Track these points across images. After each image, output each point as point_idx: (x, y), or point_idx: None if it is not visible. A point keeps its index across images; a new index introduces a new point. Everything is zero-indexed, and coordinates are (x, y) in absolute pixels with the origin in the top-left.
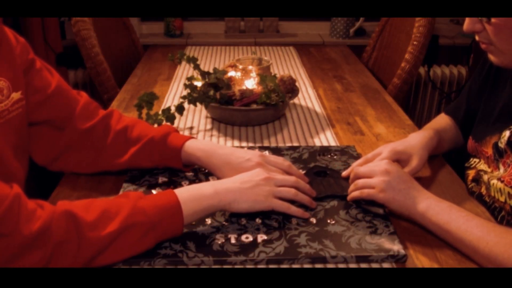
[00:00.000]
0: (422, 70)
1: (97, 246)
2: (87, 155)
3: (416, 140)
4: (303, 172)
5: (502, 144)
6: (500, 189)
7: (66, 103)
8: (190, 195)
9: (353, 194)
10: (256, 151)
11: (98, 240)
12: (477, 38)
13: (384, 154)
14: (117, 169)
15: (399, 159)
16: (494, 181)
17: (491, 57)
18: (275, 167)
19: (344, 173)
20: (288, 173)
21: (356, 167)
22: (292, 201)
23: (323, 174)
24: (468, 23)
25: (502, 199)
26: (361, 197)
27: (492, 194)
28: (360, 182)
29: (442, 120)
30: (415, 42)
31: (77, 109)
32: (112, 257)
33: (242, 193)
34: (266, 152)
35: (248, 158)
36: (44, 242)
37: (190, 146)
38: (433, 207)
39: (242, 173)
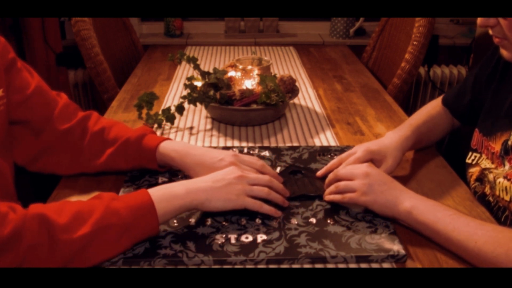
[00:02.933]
0: (422, 70)
1: (70, 249)
2: (65, 156)
3: (391, 140)
4: (278, 171)
5: (510, 141)
6: (506, 187)
7: (45, 104)
8: (162, 194)
9: (334, 197)
10: (230, 151)
11: (71, 243)
12: (490, 32)
13: (358, 153)
14: (95, 171)
15: (373, 159)
16: (500, 179)
17: (504, 52)
18: (249, 167)
19: (318, 173)
20: (261, 172)
21: (336, 169)
22: (266, 201)
23: (298, 174)
24: (482, 18)
25: (507, 198)
26: (343, 202)
27: (497, 193)
28: (342, 185)
29: (426, 112)
30: (415, 42)
31: (56, 110)
32: (89, 260)
33: (214, 192)
34: (266, 152)
35: (221, 158)
36: (15, 245)
37: (165, 147)
38: (418, 206)
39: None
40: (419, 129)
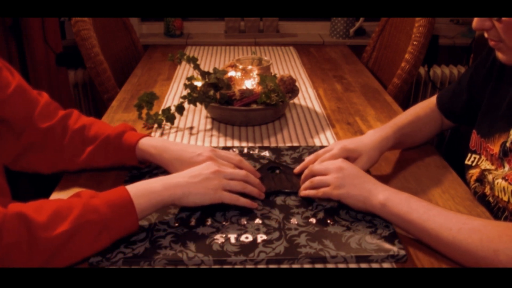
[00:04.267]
0: (422, 70)
1: (50, 247)
2: (46, 155)
3: (369, 139)
4: (257, 168)
5: (508, 143)
6: (504, 188)
7: (26, 103)
8: (139, 190)
9: (309, 192)
10: (208, 146)
11: (50, 241)
12: (486, 35)
13: (334, 151)
14: (77, 168)
15: (349, 157)
16: (499, 180)
17: (500, 55)
18: (226, 162)
19: (296, 170)
20: (239, 167)
21: (311, 164)
22: (245, 195)
23: (276, 170)
24: (477, 21)
25: (505, 198)
26: (318, 196)
27: (496, 193)
28: (316, 180)
29: (413, 113)
30: (415, 42)
31: (37, 109)
32: (69, 258)
33: (191, 187)
34: (266, 152)
35: (199, 153)
36: None
37: (144, 143)
38: (392, 198)
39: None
40: (403, 130)
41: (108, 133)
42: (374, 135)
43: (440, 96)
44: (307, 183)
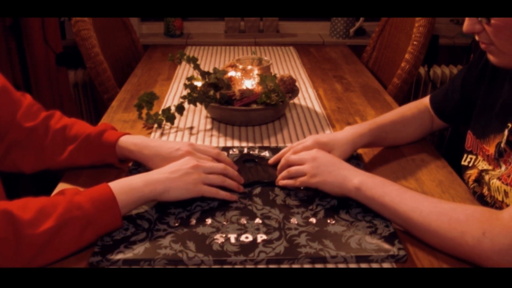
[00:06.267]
0: (422, 70)
1: (36, 244)
2: (29, 154)
3: (344, 135)
4: (233, 160)
5: (503, 143)
6: (498, 187)
7: (10, 104)
8: (121, 187)
9: (287, 182)
10: (186, 141)
11: (36, 238)
12: (477, 38)
13: (307, 143)
14: (59, 167)
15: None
16: (494, 180)
17: (491, 58)
18: (205, 155)
19: (270, 161)
20: (217, 160)
21: (287, 155)
22: (224, 188)
23: (252, 162)
24: (467, 24)
25: (500, 198)
26: (296, 186)
27: (492, 194)
28: (293, 169)
29: (399, 112)
30: (415, 42)
31: (21, 110)
32: (55, 254)
33: (172, 182)
34: (266, 153)
35: (178, 148)
36: None
37: (124, 141)
38: (366, 182)
39: (172, 162)
40: (382, 128)
41: (89, 132)
42: (349, 131)
43: (433, 96)
44: (284, 173)
